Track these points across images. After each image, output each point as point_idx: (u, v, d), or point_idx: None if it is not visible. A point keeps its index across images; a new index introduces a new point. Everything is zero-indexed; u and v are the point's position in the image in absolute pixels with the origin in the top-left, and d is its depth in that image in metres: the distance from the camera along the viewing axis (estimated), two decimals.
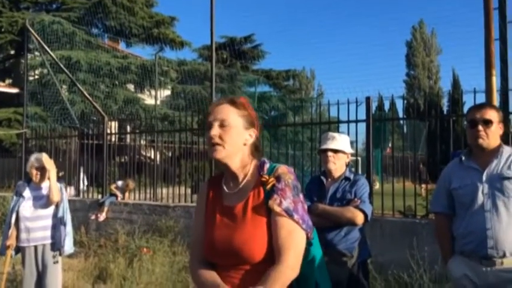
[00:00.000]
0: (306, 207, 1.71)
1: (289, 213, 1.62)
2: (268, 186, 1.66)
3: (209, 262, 1.73)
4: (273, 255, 1.62)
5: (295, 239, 1.62)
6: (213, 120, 1.70)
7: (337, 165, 3.15)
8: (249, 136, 1.74)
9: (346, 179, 3.15)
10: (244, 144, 1.73)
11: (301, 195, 1.70)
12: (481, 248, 2.47)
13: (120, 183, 8.70)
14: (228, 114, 1.70)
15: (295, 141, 8.37)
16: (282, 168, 1.71)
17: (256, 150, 1.78)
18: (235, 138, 1.69)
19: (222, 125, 1.69)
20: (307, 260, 1.68)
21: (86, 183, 9.27)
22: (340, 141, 3.18)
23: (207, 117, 1.74)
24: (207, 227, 1.75)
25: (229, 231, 1.66)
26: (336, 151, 3.14)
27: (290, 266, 1.59)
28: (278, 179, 1.67)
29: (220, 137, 1.68)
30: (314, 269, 1.71)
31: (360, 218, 2.96)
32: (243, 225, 1.65)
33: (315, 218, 2.96)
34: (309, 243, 1.69)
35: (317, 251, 1.75)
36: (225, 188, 1.77)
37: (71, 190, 8.95)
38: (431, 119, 8.70)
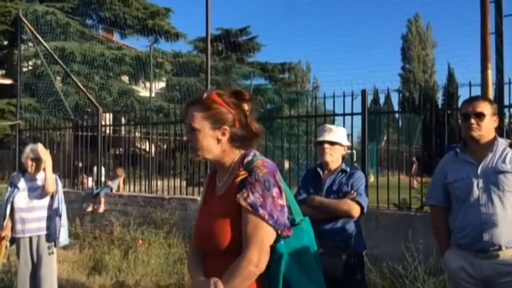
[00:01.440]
0: (280, 202, 1.65)
1: (254, 208, 1.60)
2: (238, 179, 1.67)
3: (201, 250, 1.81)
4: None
5: (260, 234, 1.60)
6: (186, 123, 1.77)
7: (334, 157, 3.15)
8: (222, 134, 1.72)
9: (343, 171, 3.14)
10: (219, 142, 1.74)
11: (274, 190, 1.64)
12: (477, 241, 2.48)
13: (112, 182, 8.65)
14: (193, 119, 1.73)
15: (290, 134, 8.37)
16: (258, 162, 1.69)
17: (238, 141, 1.74)
18: (204, 141, 1.73)
19: (190, 131, 1.74)
20: (274, 257, 1.62)
21: (103, 174, 9.22)
22: (337, 133, 3.17)
23: (185, 118, 1.81)
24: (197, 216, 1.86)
25: (205, 219, 1.75)
26: (332, 143, 3.13)
27: (252, 261, 1.58)
28: (250, 172, 1.66)
29: (191, 142, 1.75)
30: (281, 268, 1.62)
31: (356, 211, 2.97)
32: (216, 215, 1.70)
33: (312, 210, 2.98)
34: (277, 240, 1.63)
35: (283, 249, 1.64)
36: (217, 180, 1.83)
37: (89, 182, 8.84)
38: (426, 112, 8.74)
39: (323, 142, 3.14)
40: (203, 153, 1.74)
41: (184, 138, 1.86)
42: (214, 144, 1.73)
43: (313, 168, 3.39)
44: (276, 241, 1.63)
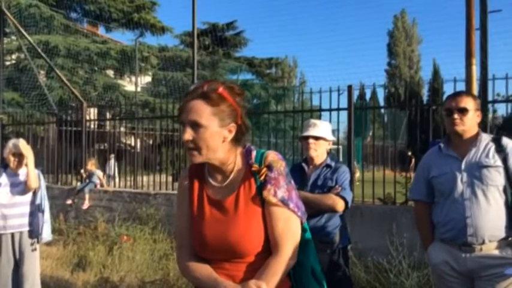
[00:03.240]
0: (297, 193, 1.68)
1: (285, 203, 1.59)
2: (262, 178, 1.59)
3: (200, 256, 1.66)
4: (268, 247, 1.59)
5: (293, 228, 1.60)
6: (185, 119, 1.56)
7: (319, 152, 3.16)
8: (228, 132, 1.58)
9: (328, 166, 3.16)
10: (224, 141, 1.59)
11: (293, 182, 1.66)
12: (461, 236, 2.50)
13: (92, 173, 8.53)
14: (200, 114, 1.54)
15: (277, 130, 8.37)
16: (272, 156, 1.64)
17: (239, 139, 1.64)
18: (210, 140, 1.55)
19: (194, 128, 1.54)
20: (302, 246, 1.65)
21: (116, 170, 9.13)
22: (322, 128, 3.19)
23: (181, 114, 1.59)
24: (195, 222, 1.65)
25: (222, 226, 1.58)
26: (317, 138, 3.14)
27: (289, 255, 1.57)
28: (269, 167, 1.60)
29: (194, 142, 1.55)
30: (309, 255, 1.70)
31: (340, 205, 2.99)
32: (236, 220, 1.58)
33: None
34: (303, 230, 1.67)
35: (309, 236, 1.74)
36: (211, 181, 1.67)
37: (101, 176, 8.70)
38: (411, 108, 8.79)
39: (308, 137, 3.15)
40: (208, 153, 1.57)
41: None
42: (219, 143, 1.58)
43: (298, 163, 3.40)
44: (303, 230, 1.67)
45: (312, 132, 3.15)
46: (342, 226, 3.12)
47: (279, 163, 1.62)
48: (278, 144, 8.01)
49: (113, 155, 10.55)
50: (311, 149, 3.14)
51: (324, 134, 3.17)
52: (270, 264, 1.54)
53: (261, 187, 1.59)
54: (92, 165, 8.37)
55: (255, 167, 1.61)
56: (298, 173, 3.20)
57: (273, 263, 1.55)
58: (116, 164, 9.34)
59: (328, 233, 3.02)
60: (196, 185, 1.69)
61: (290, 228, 1.59)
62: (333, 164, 3.16)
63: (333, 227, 3.05)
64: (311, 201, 2.99)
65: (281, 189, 1.59)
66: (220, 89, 1.57)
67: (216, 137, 1.56)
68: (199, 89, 1.57)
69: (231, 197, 1.61)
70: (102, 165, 9.18)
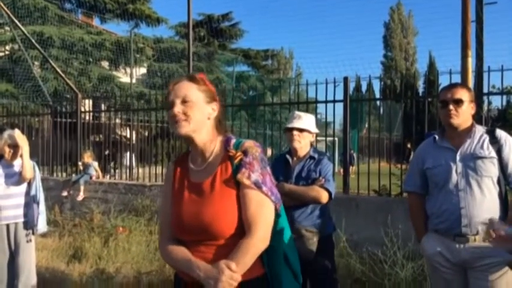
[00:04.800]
0: (273, 178, 1.74)
1: (258, 186, 1.64)
2: (236, 160, 1.67)
3: (179, 239, 1.74)
4: (243, 229, 1.63)
5: (265, 211, 1.65)
6: (174, 97, 1.71)
7: (302, 144, 3.23)
8: (212, 110, 1.75)
9: (311, 158, 3.24)
10: (208, 118, 1.74)
11: (268, 168, 1.72)
12: (456, 226, 2.52)
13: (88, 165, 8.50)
14: (189, 89, 1.71)
15: (273, 122, 8.36)
16: (249, 142, 1.74)
17: (220, 124, 1.79)
18: (198, 113, 1.70)
19: (184, 101, 1.69)
20: (275, 231, 1.70)
21: (131, 162, 9.11)
22: (306, 121, 3.26)
23: (167, 96, 1.74)
24: (174, 204, 1.75)
25: (198, 207, 1.67)
26: (301, 130, 3.22)
27: (260, 237, 1.61)
28: (245, 152, 1.69)
29: (184, 113, 1.68)
30: (282, 241, 1.74)
31: (324, 197, 3.07)
32: (211, 200, 1.66)
33: (282, 197, 3.05)
34: (277, 215, 1.71)
35: (285, 223, 1.78)
36: (191, 165, 1.78)
37: (97, 168, 8.66)
38: (407, 100, 8.80)
39: (292, 129, 3.22)
40: (194, 125, 1.69)
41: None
42: (204, 119, 1.72)
43: (282, 154, 3.47)
44: (277, 215, 1.71)
45: (296, 124, 3.22)
46: (327, 215, 3.22)
47: (255, 149, 1.71)
48: (274, 136, 8.01)
49: (130, 147, 10.56)
50: (295, 140, 3.21)
51: (307, 126, 3.24)
52: (240, 245, 1.59)
53: (237, 171, 1.66)
54: (88, 157, 8.34)
55: (232, 151, 1.70)
56: (283, 165, 3.29)
57: (244, 243, 1.59)
58: (134, 156, 9.33)
59: (313, 223, 3.11)
60: (179, 172, 1.81)
61: (262, 211, 1.64)
62: (316, 155, 3.24)
63: (318, 216, 3.14)
64: (296, 193, 3.09)
65: (255, 173, 1.66)
66: (201, 75, 1.79)
67: (203, 110, 1.72)
68: (183, 76, 1.79)
69: (208, 180, 1.70)
70: (98, 156, 9.15)
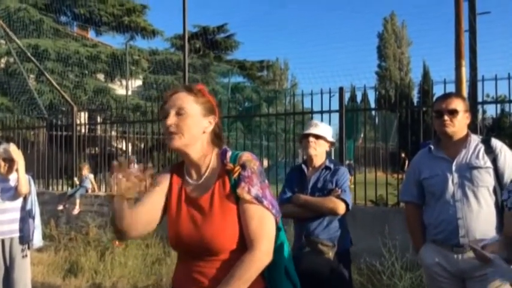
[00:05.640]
0: (272, 192, 1.71)
1: (259, 200, 1.61)
2: (235, 175, 1.63)
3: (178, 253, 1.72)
4: (244, 244, 1.60)
5: (267, 225, 1.62)
6: (169, 108, 1.66)
7: (318, 152, 3.14)
8: (208, 123, 1.69)
9: (327, 168, 3.14)
10: (204, 132, 1.69)
11: (266, 181, 1.69)
12: (453, 237, 2.52)
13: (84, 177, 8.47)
14: (185, 101, 1.66)
15: (269, 132, 8.37)
16: (246, 156, 1.69)
17: (217, 137, 1.74)
18: (193, 127, 1.65)
19: (178, 113, 1.64)
20: (276, 245, 1.66)
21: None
22: (323, 129, 3.19)
23: (163, 106, 1.69)
24: (171, 219, 1.71)
25: (197, 224, 1.63)
26: (317, 137, 3.13)
27: (264, 252, 1.58)
28: (243, 166, 1.65)
29: (177, 126, 1.63)
30: (282, 254, 1.71)
31: (341, 208, 2.98)
32: (211, 217, 1.62)
33: (297, 208, 3.01)
34: (277, 228, 1.68)
35: (283, 236, 1.75)
36: (188, 178, 1.73)
37: (93, 181, 8.62)
38: (402, 110, 8.85)
39: (308, 135, 3.14)
40: (188, 140, 1.64)
41: (163, 135, 1.75)
42: (200, 132, 1.67)
43: (297, 165, 3.39)
44: (278, 229, 1.68)
45: (313, 130, 3.14)
46: (343, 229, 3.10)
47: (253, 162, 1.67)
48: (270, 147, 8.01)
49: (134, 157, 10.55)
50: (311, 147, 3.12)
51: (324, 134, 3.16)
52: (244, 260, 1.56)
53: (235, 185, 1.63)
54: (86, 169, 8.33)
55: (229, 165, 1.66)
56: (298, 176, 3.20)
57: (248, 258, 1.56)
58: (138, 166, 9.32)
59: (329, 236, 3.00)
60: (176, 184, 1.75)
61: (265, 226, 1.61)
62: (332, 166, 3.16)
63: (335, 229, 3.03)
64: (312, 204, 3.00)
65: (255, 187, 1.62)
66: (201, 86, 1.73)
67: (198, 124, 1.66)
68: (181, 86, 1.73)
69: (206, 195, 1.66)
70: (93, 169, 9.12)
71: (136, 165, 1.67)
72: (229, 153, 1.70)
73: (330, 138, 3.24)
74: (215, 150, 1.73)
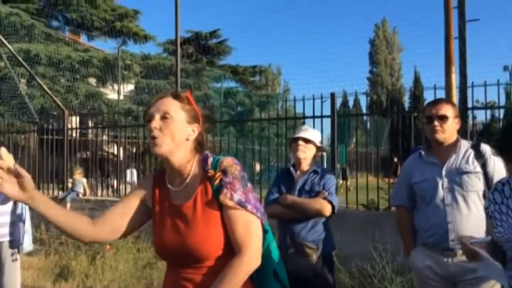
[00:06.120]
0: (255, 195, 1.70)
1: (242, 205, 1.60)
2: (216, 182, 1.62)
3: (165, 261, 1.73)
4: (231, 249, 1.60)
5: (253, 229, 1.61)
6: (154, 111, 1.64)
7: (307, 155, 3.18)
8: (192, 131, 1.68)
9: (315, 172, 3.19)
10: (187, 140, 1.67)
11: (249, 185, 1.67)
12: (443, 241, 2.54)
13: (76, 181, 8.45)
14: (171, 107, 1.65)
15: (261, 137, 8.39)
16: (227, 161, 1.67)
17: (200, 145, 1.72)
18: (177, 132, 1.63)
19: (163, 117, 1.63)
20: (263, 248, 1.66)
21: (134, 178, 9.05)
22: (312, 133, 3.24)
23: (147, 110, 1.68)
24: (155, 227, 1.71)
25: (181, 233, 1.62)
26: (306, 140, 3.17)
27: (253, 256, 1.58)
28: (224, 172, 1.63)
29: (161, 130, 1.62)
30: (271, 256, 1.71)
31: (328, 209, 3.01)
32: (194, 225, 1.60)
33: (284, 209, 3.05)
34: (264, 231, 1.68)
35: (271, 238, 1.75)
36: (169, 186, 1.72)
37: (85, 185, 8.55)
38: (393, 115, 8.91)
39: (298, 138, 3.18)
40: (171, 145, 1.62)
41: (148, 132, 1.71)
42: (183, 139, 1.66)
43: (286, 168, 3.43)
44: (264, 231, 1.68)
45: (302, 134, 3.19)
46: (327, 232, 3.14)
47: (234, 167, 1.65)
48: (262, 151, 8.02)
49: (133, 163, 10.58)
50: (300, 150, 3.15)
51: (313, 138, 3.21)
52: (232, 264, 1.55)
53: (218, 192, 1.62)
54: (79, 174, 8.29)
55: (211, 172, 1.64)
56: (286, 178, 3.24)
57: (236, 263, 1.56)
58: (135, 171, 9.30)
59: (314, 239, 3.03)
60: (158, 191, 1.74)
61: (251, 230, 1.60)
62: (319, 170, 3.20)
63: (319, 232, 3.07)
64: (299, 204, 3.03)
65: (237, 192, 1.61)
66: (187, 94, 1.72)
67: (182, 131, 1.65)
68: (168, 92, 1.72)
69: (188, 203, 1.64)
70: (85, 173, 9.08)
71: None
72: (210, 159, 1.68)
73: (319, 143, 3.28)
74: (197, 156, 1.71)
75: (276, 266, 1.73)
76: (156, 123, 1.62)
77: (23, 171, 1.54)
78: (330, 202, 3.03)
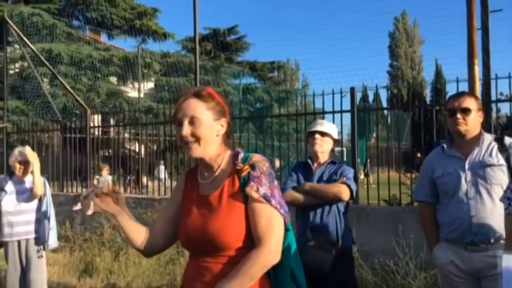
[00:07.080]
0: (281, 193, 1.74)
1: (267, 199, 1.63)
2: (244, 174, 1.67)
3: (188, 250, 1.79)
4: (250, 243, 1.62)
5: (275, 224, 1.64)
6: (182, 117, 1.69)
7: (324, 149, 3.20)
8: (221, 126, 1.73)
9: (332, 162, 3.21)
10: (217, 136, 1.73)
11: (276, 182, 1.72)
12: (467, 235, 2.50)
13: (101, 179, 8.58)
14: (196, 109, 1.68)
15: (280, 133, 8.37)
16: (256, 157, 1.73)
17: (228, 137, 1.79)
18: (207, 133, 1.69)
19: (191, 122, 1.68)
20: (283, 246, 1.68)
21: (165, 175, 9.24)
22: (328, 126, 3.26)
23: (175, 114, 1.72)
24: (182, 216, 1.77)
25: (204, 219, 1.67)
26: (323, 134, 3.19)
27: (272, 250, 1.60)
28: (253, 166, 1.68)
29: (193, 135, 1.67)
30: (290, 256, 1.72)
31: (346, 193, 3.01)
32: (217, 213, 1.65)
33: (303, 195, 3.06)
34: (286, 229, 1.70)
35: (292, 238, 1.76)
36: (199, 178, 1.79)
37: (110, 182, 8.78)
38: (414, 109, 8.79)
39: (314, 132, 3.21)
40: (206, 146, 1.69)
41: (175, 137, 1.79)
42: (214, 137, 1.72)
43: (303, 161, 3.47)
44: (286, 229, 1.70)
45: (318, 128, 3.21)
46: (346, 227, 3.14)
47: (262, 163, 1.70)
48: (282, 147, 8.01)
49: (162, 161, 10.78)
50: (316, 144, 3.18)
51: (329, 131, 3.22)
52: (250, 256, 1.59)
53: (244, 184, 1.66)
54: (106, 170, 8.43)
55: (239, 165, 1.69)
56: (304, 168, 3.26)
57: (254, 255, 1.59)
58: (164, 168, 9.44)
59: (334, 233, 3.04)
60: (189, 185, 1.82)
61: (273, 225, 1.63)
62: (336, 161, 3.23)
63: (339, 227, 3.07)
64: (317, 190, 3.06)
65: (263, 186, 1.65)
66: (209, 89, 1.76)
67: (211, 130, 1.71)
68: (190, 91, 1.75)
69: (215, 192, 1.70)
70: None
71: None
72: (241, 155, 1.74)
73: (335, 136, 3.30)
74: (228, 152, 1.77)
75: (294, 266, 1.73)
76: (186, 129, 1.67)
77: (118, 189, 1.79)
78: (348, 186, 3.03)
